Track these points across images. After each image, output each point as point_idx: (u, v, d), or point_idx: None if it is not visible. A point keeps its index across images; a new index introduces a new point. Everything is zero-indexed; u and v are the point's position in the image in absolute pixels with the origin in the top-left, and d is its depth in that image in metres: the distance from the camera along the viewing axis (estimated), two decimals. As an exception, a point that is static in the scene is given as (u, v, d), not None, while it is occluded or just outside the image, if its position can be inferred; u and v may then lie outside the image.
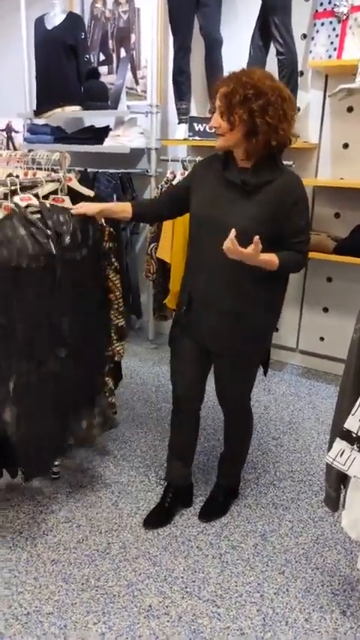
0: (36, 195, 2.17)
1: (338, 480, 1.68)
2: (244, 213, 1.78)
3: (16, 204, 2.01)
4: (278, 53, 3.02)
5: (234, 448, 2.24)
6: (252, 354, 2.03)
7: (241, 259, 1.71)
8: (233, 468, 2.29)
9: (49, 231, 1.99)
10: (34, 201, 2.07)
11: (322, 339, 3.60)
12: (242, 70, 1.78)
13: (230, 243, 1.67)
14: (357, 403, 1.45)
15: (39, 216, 2.02)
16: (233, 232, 1.67)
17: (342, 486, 1.69)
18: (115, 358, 2.46)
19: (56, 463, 2.39)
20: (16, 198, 2.04)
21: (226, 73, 1.84)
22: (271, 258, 1.76)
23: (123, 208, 2.04)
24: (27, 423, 2.05)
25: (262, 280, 1.83)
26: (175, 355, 2.11)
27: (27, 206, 2.05)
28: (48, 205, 2.08)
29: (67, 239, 2.03)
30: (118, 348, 2.44)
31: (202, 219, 1.89)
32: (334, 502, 1.73)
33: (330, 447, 1.56)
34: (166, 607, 1.81)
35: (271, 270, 1.79)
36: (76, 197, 2.31)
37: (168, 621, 1.75)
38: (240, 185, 1.80)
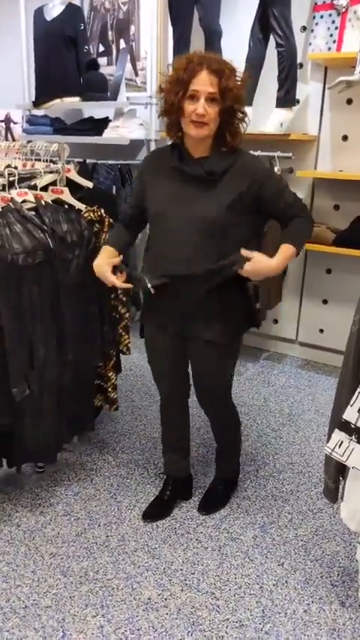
0: (34, 187, 2.16)
1: (337, 472, 1.68)
2: (210, 204, 1.74)
3: (13, 200, 2.00)
4: (278, 45, 3.01)
5: (224, 443, 2.23)
6: (227, 331, 1.89)
7: (268, 274, 1.75)
8: (229, 461, 2.28)
9: (45, 227, 1.98)
10: (31, 197, 2.06)
11: (321, 330, 3.60)
12: (219, 57, 1.72)
13: (250, 266, 1.71)
14: (355, 394, 1.44)
15: (34, 212, 2.02)
16: (249, 253, 1.70)
17: (341, 477, 1.69)
18: (125, 352, 2.48)
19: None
20: (13, 193, 2.03)
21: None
22: (287, 252, 1.76)
23: (115, 254, 1.93)
24: (29, 416, 2.05)
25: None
26: (152, 358, 2.08)
27: (23, 201, 2.04)
28: (43, 202, 2.07)
29: (63, 235, 2.02)
30: (126, 342, 2.45)
31: (166, 220, 1.80)
32: (333, 493, 1.72)
33: (329, 439, 1.56)
34: (165, 599, 1.81)
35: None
36: (74, 188, 2.30)
37: (167, 614, 1.75)
38: (203, 176, 1.74)
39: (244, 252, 1.72)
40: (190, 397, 2.16)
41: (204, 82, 1.66)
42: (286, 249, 1.76)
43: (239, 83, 1.72)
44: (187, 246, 1.77)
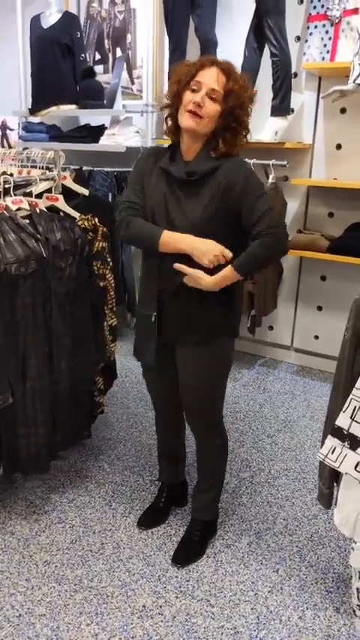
0: (30, 194, 2.17)
1: (331, 478, 1.68)
2: (191, 209, 1.70)
3: (7, 207, 2.00)
4: (272, 55, 3.04)
5: (207, 475, 2.04)
6: (215, 336, 1.83)
7: (197, 286, 1.72)
8: (209, 499, 2.07)
9: (39, 236, 1.98)
10: (26, 205, 2.07)
11: (316, 337, 3.61)
12: (238, 72, 1.72)
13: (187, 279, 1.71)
14: (348, 400, 1.45)
15: (28, 221, 2.02)
16: (183, 269, 1.70)
17: (335, 484, 1.69)
18: (111, 358, 2.47)
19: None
20: (8, 200, 2.04)
21: None
22: (227, 273, 1.69)
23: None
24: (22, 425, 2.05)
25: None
26: (146, 369, 2.03)
27: (18, 209, 2.05)
28: (38, 210, 2.08)
29: (57, 243, 2.02)
30: (112, 348, 2.44)
31: (155, 223, 1.76)
32: (327, 499, 1.73)
33: (323, 445, 1.56)
34: (160, 607, 1.80)
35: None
36: (70, 195, 2.31)
37: (162, 621, 1.75)
38: (184, 179, 1.70)
39: (176, 265, 1.71)
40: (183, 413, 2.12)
41: (210, 77, 1.65)
42: (228, 271, 1.68)
43: (246, 94, 1.69)
44: (173, 256, 1.73)
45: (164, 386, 2.01)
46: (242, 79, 1.70)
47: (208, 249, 1.68)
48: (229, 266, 1.68)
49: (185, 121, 1.67)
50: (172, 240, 1.70)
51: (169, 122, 1.79)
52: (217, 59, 1.71)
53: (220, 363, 1.89)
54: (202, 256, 1.68)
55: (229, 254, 1.69)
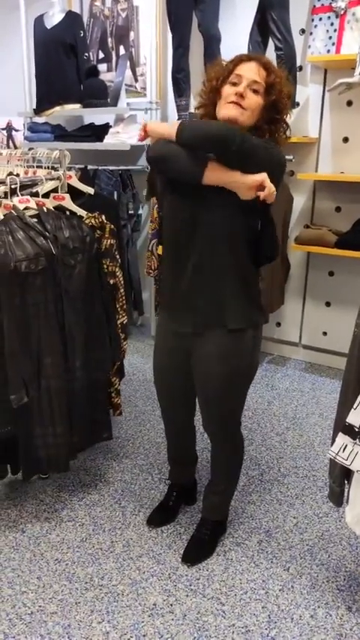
0: (36, 194, 2.16)
1: (342, 475, 1.67)
2: (220, 207, 1.65)
3: (15, 207, 2.00)
4: (277, 48, 3.01)
5: (221, 478, 2.01)
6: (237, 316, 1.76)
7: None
8: (221, 501, 2.05)
9: (47, 234, 1.98)
10: (33, 204, 2.07)
11: (324, 333, 3.59)
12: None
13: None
14: (358, 398, 1.44)
15: (36, 220, 2.02)
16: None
17: (346, 481, 1.68)
18: (124, 356, 2.46)
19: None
20: (15, 200, 2.04)
21: None
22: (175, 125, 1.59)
23: None
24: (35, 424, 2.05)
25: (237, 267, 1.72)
26: (157, 369, 1.97)
27: (25, 208, 2.05)
28: (45, 209, 2.08)
29: (65, 241, 2.02)
30: (124, 346, 2.44)
31: (178, 220, 1.72)
32: (338, 497, 1.72)
33: (333, 442, 1.55)
34: (171, 605, 1.80)
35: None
36: (76, 194, 2.31)
37: (172, 619, 1.75)
38: None
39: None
40: (193, 421, 2.11)
41: (250, 70, 1.61)
42: (175, 124, 1.60)
43: (287, 89, 1.66)
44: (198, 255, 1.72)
45: (177, 395, 1.98)
46: (282, 73, 1.66)
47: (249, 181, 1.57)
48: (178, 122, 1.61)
49: (227, 110, 1.60)
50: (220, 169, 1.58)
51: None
52: (253, 55, 1.67)
53: (245, 362, 1.81)
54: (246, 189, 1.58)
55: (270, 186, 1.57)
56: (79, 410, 2.15)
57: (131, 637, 1.68)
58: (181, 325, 1.80)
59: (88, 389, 2.16)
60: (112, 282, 2.27)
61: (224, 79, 1.64)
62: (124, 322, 2.39)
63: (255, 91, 1.61)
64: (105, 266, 2.22)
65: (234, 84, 1.62)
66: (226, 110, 1.61)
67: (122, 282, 2.35)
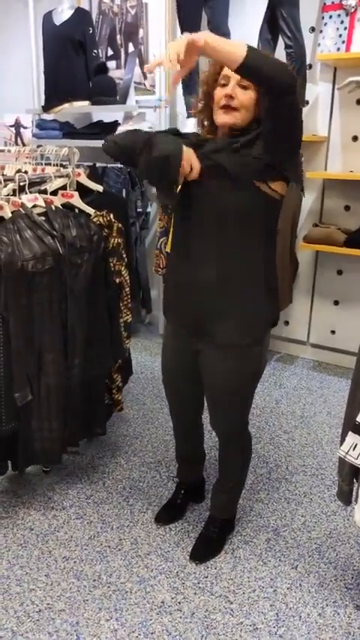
0: (45, 191, 2.17)
1: (351, 474, 1.66)
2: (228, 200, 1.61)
3: (23, 205, 2.01)
4: (286, 46, 3.00)
5: (229, 476, 2.01)
6: (244, 337, 1.73)
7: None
8: (229, 499, 2.05)
9: (55, 233, 1.99)
10: (41, 202, 2.07)
11: (333, 332, 3.58)
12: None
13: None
14: (370, 397, 1.44)
15: (44, 218, 2.03)
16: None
17: (355, 480, 1.67)
18: (125, 354, 2.46)
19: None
20: (24, 198, 2.04)
21: None
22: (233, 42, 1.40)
23: None
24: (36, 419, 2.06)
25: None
26: (166, 374, 1.98)
27: (33, 206, 2.05)
28: (53, 207, 2.08)
29: (73, 240, 2.02)
30: (127, 345, 2.44)
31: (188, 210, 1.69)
32: (346, 496, 1.71)
33: (342, 441, 1.55)
34: (179, 603, 1.80)
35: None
36: (84, 192, 2.31)
37: (180, 617, 1.75)
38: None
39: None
40: (201, 419, 2.11)
41: None
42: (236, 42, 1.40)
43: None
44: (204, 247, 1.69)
45: (184, 394, 1.98)
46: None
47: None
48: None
49: (220, 118, 1.62)
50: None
51: (206, 123, 1.74)
52: None
53: (253, 365, 1.80)
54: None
55: None
56: (74, 406, 2.16)
57: (139, 635, 1.69)
58: (186, 333, 1.82)
59: (85, 386, 2.17)
60: (117, 281, 2.27)
61: (214, 81, 1.65)
62: (128, 321, 2.39)
63: (244, 87, 1.60)
64: (112, 265, 2.22)
65: (223, 85, 1.62)
66: (219, 118, 1.62)
67: (128, 280, 2.35)
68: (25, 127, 4.44)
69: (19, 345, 1.94)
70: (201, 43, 1.35)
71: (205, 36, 1.36)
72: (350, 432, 1.47)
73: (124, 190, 3.63)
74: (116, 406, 2.47)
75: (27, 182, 2.10)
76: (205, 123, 1.75)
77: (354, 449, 1.45)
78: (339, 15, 3.04)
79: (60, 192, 2.19)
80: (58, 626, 1.71)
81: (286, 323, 3.73)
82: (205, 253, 1.68)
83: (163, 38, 3.55)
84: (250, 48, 1.38)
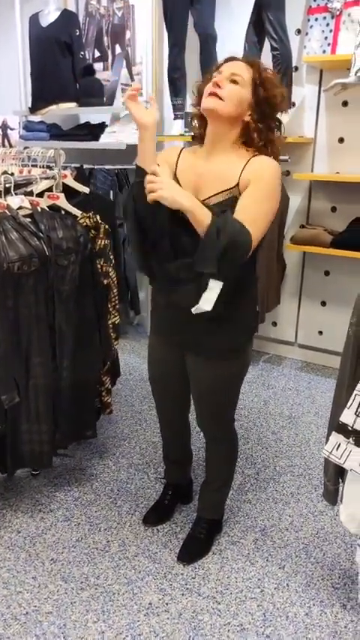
0: (31, 193, 2.16)
1: (336, 474, 1.68)
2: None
3: (9, 207, 2.00)
4: (272, 49, 3.02)
5: (217, 475, 2.02)
6: (229, 344, 1.76)
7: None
8: (216, 499, 2.07)
9: (41, 234, 1.98)
10: (27, 204, 2.06)
11: (320, 332, 3.60)
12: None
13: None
14: (352, 396, 1.45)
15: (30, 220, 2.02)
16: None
17: (340, 480, 1.69)
18: (114, 356, 2.46)
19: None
20: (9, 199, 2.04)
21: None
22: (202, 212, 1.49)
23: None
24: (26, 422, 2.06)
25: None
26: (152, 370, 1.99)
27: (19, 208, 2.05)
28: (39, 208, 2.08)
29: (59, 242, 2.01)
30: (114, 346, 2.43)
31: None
32: (332, 496, 1.72)
33: (327, 441, 1.56)
34: (166, 604, 1.80)
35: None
36: (71, 193, 2.30)
37: (168, 618, 1.75)
38: None
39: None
40: (188, 418, 2.12)
41: (231, 66, 1.60)
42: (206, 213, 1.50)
43: (278, 89, 1.61)
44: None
45: (171, 390, 1.99)
46: (272, 74, 1.63)
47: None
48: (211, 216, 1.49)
49: (204, 102, 1.58)
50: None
51: (195, 122, 1.74)
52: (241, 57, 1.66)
53: (241, 366, 1.84)
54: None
55: None
56: (63, 408, 2.16)
57: (127, 636, 1.69)
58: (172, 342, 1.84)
59: (74, 388, 2.17)
60: (105, 282, 2.27)
61: (208, 80, 1.63)
62: (116, 322, 2.39)
63: (234, 82, 1.58)
64: (99, 266, 2.22)
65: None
66: (203, 103, 1.59)
67: (115, 282, 2.35)
68: (12, 129, 4.41)
69: (5, 348, 1.93)
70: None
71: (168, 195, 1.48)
72: (334, 432, 1.48)
73: (111, 192, 3.63)
74: (106, 409, 2.46)
75: (13, 184, 2.09)
76: (195, 122, 1.75)
77: (337, 448, 1.46)
78: (324, 17, 3.06)
79: (46, 193, 2.19)
80: (46, 629, 1.70)
81: (274, 324, 3.74)
82: (189, 275, 1.62)
83: (149, 40, 3.56)
84: (209, 226, 1.47)
